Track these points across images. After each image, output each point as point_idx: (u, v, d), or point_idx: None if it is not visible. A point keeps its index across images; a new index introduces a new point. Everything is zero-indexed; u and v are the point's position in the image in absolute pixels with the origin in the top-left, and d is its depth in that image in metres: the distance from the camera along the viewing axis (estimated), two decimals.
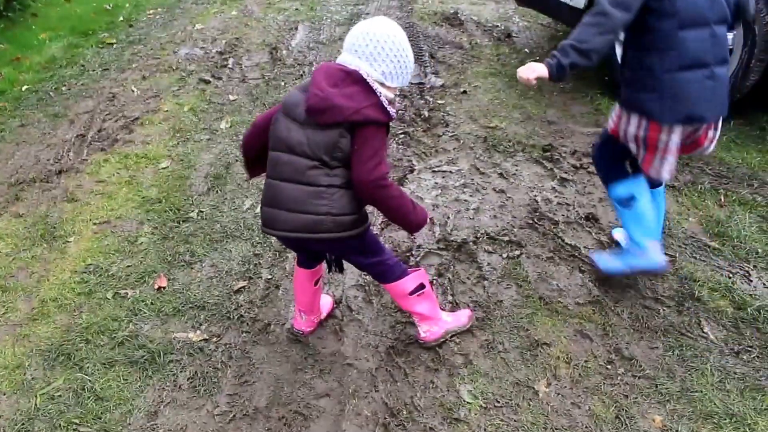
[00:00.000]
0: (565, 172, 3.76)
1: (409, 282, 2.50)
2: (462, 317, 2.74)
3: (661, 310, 2.82)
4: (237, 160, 4.07)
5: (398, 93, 2.26)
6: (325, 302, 2.85)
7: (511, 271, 3.06)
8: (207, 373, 2.66)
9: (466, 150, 4.00)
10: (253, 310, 2.95)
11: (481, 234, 3.31)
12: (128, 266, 3.26)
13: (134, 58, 5.80)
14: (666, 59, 2.31)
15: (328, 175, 2.18)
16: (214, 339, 2.82)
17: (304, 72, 5.22)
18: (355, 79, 2.14)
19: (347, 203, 2.21)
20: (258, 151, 2.39)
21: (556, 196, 3.54)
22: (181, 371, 2.67)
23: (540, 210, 3.46)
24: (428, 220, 2.28)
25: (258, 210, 3.59)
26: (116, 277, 3.19)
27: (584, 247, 3.18)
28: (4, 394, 2.63)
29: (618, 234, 3.12)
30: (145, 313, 2.96)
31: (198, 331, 2.86)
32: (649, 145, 2.45)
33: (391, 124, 2.23)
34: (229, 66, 5.44)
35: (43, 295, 3.12)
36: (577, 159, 3.88)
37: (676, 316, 2.78)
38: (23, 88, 5.28)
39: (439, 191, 3.65)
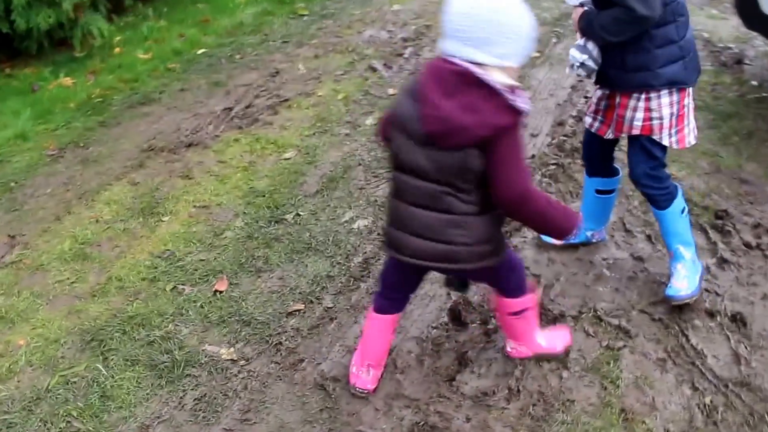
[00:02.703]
0: (732, 251, 3.18)
1: (516, 304, 2.51)
2: (558, 343, 2.71)
3: None
4: (360, 164, 4.02)
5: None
6: None
7: (603, 365, 2.65)
8: (215, 398, 2.65)
9: (621, 198, 3.55)
10: (295, 339, 2.89)
11: (588, 309, 2.92)
12: (201, 260, 3.37)
13: (318, 34, 5.99)
14: (681, 26, 2.57)
15: (463, 201, 2.10)
16: (242, 362, 2.81)
17: None
18: (470, 81, 1.97)
19: (484, 232, 2.17)
20: None
21: (706, 280, 3.01)
22: (192, 389, 2.70)
23: None
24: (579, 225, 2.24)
25: (355, 225, 3.54)
26: (184, 269, 3.31)
27: (713, 356, 2.66)
28: (31, 366, 2.86)
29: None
30: (190, 315, 3.04)
31: (231, 349, 2.87)
32: (680, 115, 2.66)
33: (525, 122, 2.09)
34: (405, 55, 5.39)
35: (113, 273, 3.34)
36: (756, 236, 3.26)
37: None
38: (199, 52, 5.71)
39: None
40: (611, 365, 2.65)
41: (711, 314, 2.89)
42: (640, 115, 2.67)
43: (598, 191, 3.06)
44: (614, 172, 3.04)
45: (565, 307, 2.94)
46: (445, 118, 1.97)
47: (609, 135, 2.84)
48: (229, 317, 3.02)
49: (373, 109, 4.67)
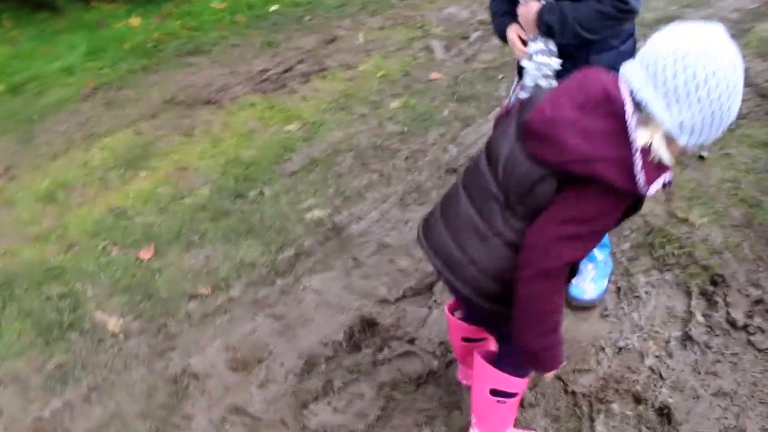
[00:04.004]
0: (708, 327, 2.66)
1: (505, 381, 1.98)
2: None
3: None
4: (353, 149, 3.78)
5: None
6: None
7: None
8: (74, 369, 2.61)
9: (613, 237, 3.07)
10: (182, 324, 2.78)
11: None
12: (146, 223, 3.32)
13: (398, 4, 5.72)
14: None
15: (505, 219, 1.68)
16: (121, 336, 2.74)
17: None
18: (611, 110, 1.51)
19: (502, 268, 1.70)
20: None
21: (655, 356, 2.54)
22: (60, 354, 2.68)
23: (609, 366, 2.53)
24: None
25: (309, 214, 3.35)
26: (125, 230, 3.28)
27: None
28: None
29: None
30: (102, 278, 3.00)
31: (120, 320, 2.81)
32: None
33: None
34: (471, 40, 5.01)
35: (64, 221, 3.37)
36: (749, 315, 2.70)
37: None
38: (272, 8, 5.62)
39: None
40: None
41: (638, 400, 2.43)
42: None
43: None
44: None
45: None
46: (552, 121, 1.55)
47: None
48: (136, 288, 2.95)
49: (403, 92, 4.37)
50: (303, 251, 3.09)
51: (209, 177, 3.62)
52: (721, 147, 3.73)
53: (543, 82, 2.31)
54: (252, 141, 3.91)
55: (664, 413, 2.36)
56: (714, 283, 2.88)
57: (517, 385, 1.99)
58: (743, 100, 4.17)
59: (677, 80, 1.46)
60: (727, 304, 2.77)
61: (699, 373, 2.50)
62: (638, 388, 2.45)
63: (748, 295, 2.81)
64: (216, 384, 2.52)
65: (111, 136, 4.02)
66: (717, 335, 2.65)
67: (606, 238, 2.67)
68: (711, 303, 2.78)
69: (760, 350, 2.59)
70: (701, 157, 3.68)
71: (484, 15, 5.43)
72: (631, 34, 2.31)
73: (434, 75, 4.55)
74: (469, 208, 1.74)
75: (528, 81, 2.34)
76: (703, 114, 1.49)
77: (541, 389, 2.45)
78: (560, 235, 1.54)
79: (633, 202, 1.57)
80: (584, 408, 2.39)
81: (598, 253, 2.69)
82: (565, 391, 2.45)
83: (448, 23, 5.34)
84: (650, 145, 1.49)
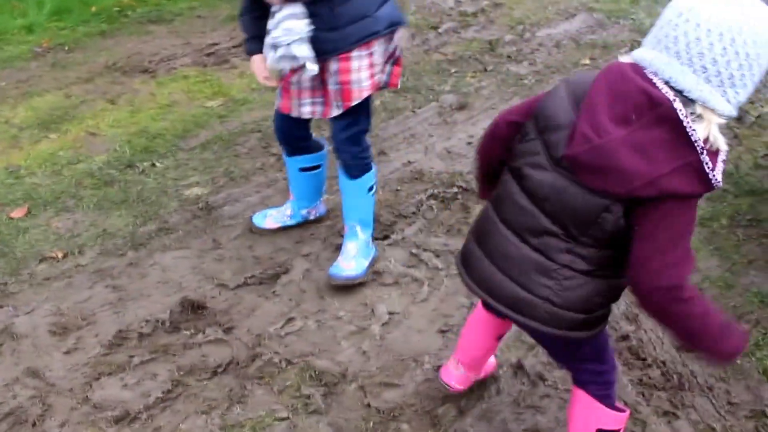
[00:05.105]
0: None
1: (612, 417, 1.97)
2: None
3: None
4: (260, 131, 3.87)
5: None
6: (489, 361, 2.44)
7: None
8: None
9: None
10: (24, 284, 2.93)
11: (306, 366, 2.62)
12: (33, 183, 3.50)
13: None
14: None
15: (569, 251, 1.63)
16: None
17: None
18: (660, 115, 1.41)
19: (581, 298, 1.68)
20: (498, 164, 1.83)
21: (477, 381, 2.47)
22: None
23: (420, 385, 2.53)
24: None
25: (188, 191, 3.45)
26: (10, 188, 3.47)
27: None
28: None
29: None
30: None
31: None
32: (399, 57, 2.66)
33: None
34: (440, 30, 5.05)
35: None
36: (656, 365, 2.60)
37: None
38: None
39: None
40: None
41: (434, 424, 2.34)
42: (365, 73, 2.52)
43: (303, 169, 2.98)
44: (318, 147, 2.97)
45: (287, 357, 2.62)
46: (603, 149, 1.45)
47: (335, 112, 2.61)
48: None
49: None
50: (166, 227, 3.21)
51: (111, 145, 3.77)
52: None
53: (295, 49, 2.40)
54: (169, 114, 4.04)
55: None
56: (624, 339, 2.67)
57: (621, 421, 1.98)
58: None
59: (731, 67, 1.38)
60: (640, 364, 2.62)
61: (519, 405, 2.41)
62: (439, 412, 2.39)
63: (616, 330, 2.68)
64: (29, 345, 2.66)
65: (42, 97, 4.22)
66: (559, 368, 2.53)
67: (371, 222, 2.90)
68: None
69: None
70: None
71: (469, 6, 5.43)
72: None
73: None
74: (524, 248, 1.69)
75: (282, 51, 2.41)
76: (753, 83, 1.43)
77: (331, 397, 2.47)
78: (664, 264, 1.49)
79: None
80: (373, 423, 2.37)
81: (361, 233, 2.86)
82: (362, 404, 2.45)
83: (426, 11, 5.35)
84: (708, 136, 1.42)
